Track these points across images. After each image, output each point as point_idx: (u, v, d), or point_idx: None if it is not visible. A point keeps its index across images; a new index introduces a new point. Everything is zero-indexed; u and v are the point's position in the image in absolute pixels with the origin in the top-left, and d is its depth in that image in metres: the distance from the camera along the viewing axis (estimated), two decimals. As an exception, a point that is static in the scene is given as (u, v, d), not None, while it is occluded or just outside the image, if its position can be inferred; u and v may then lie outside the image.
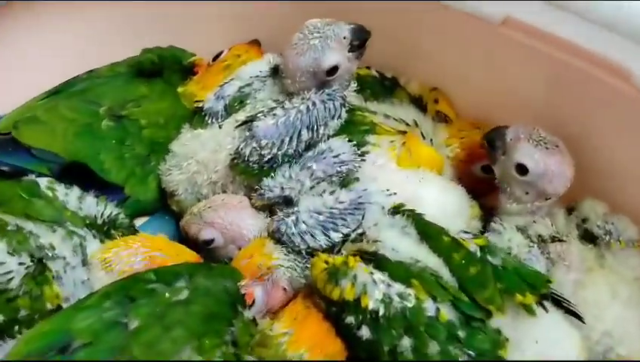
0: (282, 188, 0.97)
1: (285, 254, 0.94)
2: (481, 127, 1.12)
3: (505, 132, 0.97)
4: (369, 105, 1.13)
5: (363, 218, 0.93)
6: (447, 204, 1.00)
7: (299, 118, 0.98)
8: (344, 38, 0.98)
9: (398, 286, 0.81)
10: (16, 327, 0.84)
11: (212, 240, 1.00)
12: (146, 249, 0.91)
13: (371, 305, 0.80)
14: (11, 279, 0.84)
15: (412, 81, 1.19)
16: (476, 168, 1.09)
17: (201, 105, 1.09)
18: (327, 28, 0.98)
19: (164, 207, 1.11)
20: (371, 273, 0.82)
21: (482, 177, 1.09)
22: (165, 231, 1.06)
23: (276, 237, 0.95)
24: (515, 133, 0.96)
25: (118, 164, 1.03)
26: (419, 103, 1.16)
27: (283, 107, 1.00)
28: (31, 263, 0.86)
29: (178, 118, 1.09)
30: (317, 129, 0.99)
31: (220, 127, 1.04)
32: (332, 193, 0.95)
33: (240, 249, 1.00)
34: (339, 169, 0.98)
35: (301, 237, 0.93)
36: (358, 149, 1.00)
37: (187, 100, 1.12)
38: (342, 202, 0.94)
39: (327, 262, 0.85)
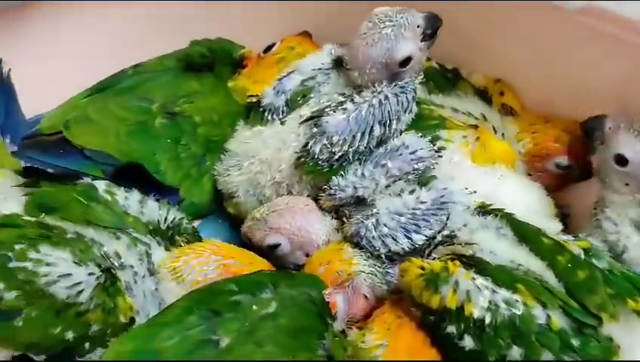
0: (355, 187, 0.91)
1: (365, 259, 0.88)
2: (550, 121, 1.06)
3: (604, 121, 0.92)
4: (434, 98, 1.07)
5: (448, 219, 0.87)
6: (528, 202, 0.95)
7: (371, 112, 0.92)
8: (417, 26, 0.92)
9: (503, 292, 0.74)
10: (87, 344, 0.77)
11: (278, 246, 0.93)
12: (218, 257, 0.84)
13: (476, 314, 0.74)
14: (81, 291, 0.77)
15: (474, 73, 1.12)
16: (550, 164, 1.03)
17: (255, 100, 1.02)
18: (400, 16, 0.91)
19: (218, 210, 1.04)
20: (473, 278, 0.76)
21: (556, 173, 1.04)
22: (219, 235, 1.00)
23: (354, 241, 0.88)
24: (614, 123, 0.91)
25: (173, 164, 0.96)
26: (484, 96, 1.10)
27: (353, 101, 0.93)
28: (100, 273, 0.78)
29: (232, 115, 1.02)
30: (389, 124, 0.93)
31: (282, 123, 0.97)
32: (411, 192, 0.89)
33: (307, 254, 0.94)
34: (416, 166, 0.92)
35: (382, 240, 0.87)
36: (433, 145, 0.94)
37: (239, 95, 1.05)
38: (423, 202, 0.88)
39: (422, 268, 0.78)
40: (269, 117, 0.98)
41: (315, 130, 0.93)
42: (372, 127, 0.92)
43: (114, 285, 0.79)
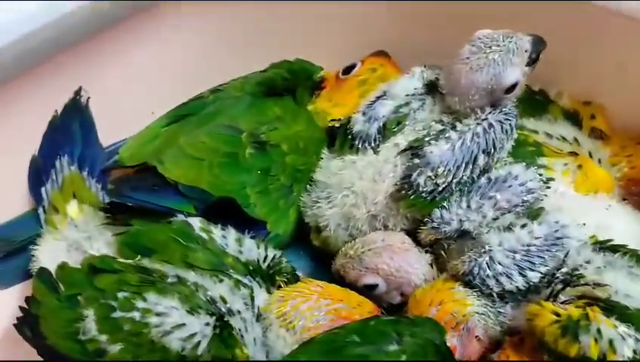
0: (461, 220, 0.86)
1: (477, 299, 0.82)
2: (641, 143, 1.02)
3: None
4: (525, 123, 1.01)
5: (566, 256, 0.82)
6: (637, 233, 0.90)
7: (475, 141, 0.87)
8: (525, 51, 0.87)
9: None
10: None
11: (375, 287, 0.88)
12: (327, 300, 0.79)
13: None
14: (197, 343, 0.71)
15: (562, 95, 1.07)
16: (648, 188, 0.99)
17: (338, 125, 0.97)
18: (508, 40, 0.86)
19: (298, 241, 0.98)
20: (615, 326, 0.71)
21: (654, 198, 0.99)
22: (301, 267, 0.94)
23: (466, 279, 0.83)
24: None
25: (263, 197, 0.90)
26: (574, 119, 1.05)
27: (456, 129, 0.88)
28: (216, 322, 0.73)
29: (316, 141, 0.97)
30: (493, 153, 0.88)
31: (375, 152, 0.92)
32: (523, 227, 0.84)
33: (402, 294, 0.89)
34: (525, 198, 0.86)
35: (496, 279, 0.82)
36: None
37: (319, 119, 1.00)
38: (537, 237, 0.82)
39: (556, 314, 0.73)
40: (360, 145, 0.92)
41: (417, 160, 0.87)
42: (476, 156, 0.87)
43: (230, 335, 0.73)
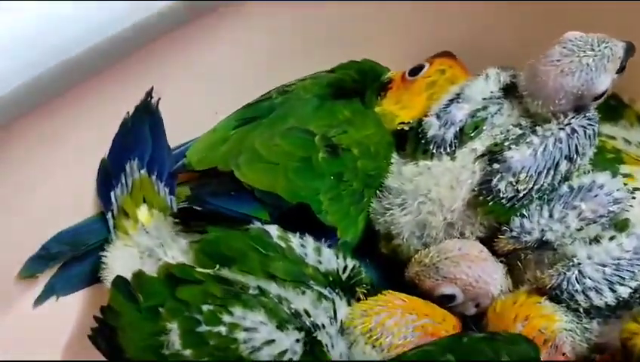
0: (543, 230, 0.82)
1: (565, 315, 0.79)
2: None
3: None
4: (603, 129, 0.95)
5: None
6: None
7: (558, 146, 0.83)
8: (619, 58, 0.83)
9: None
10: None
11: (452, 298, 0.84)
12: (412, 316, 0.76)
13: None
14: (289, 361, 0.68)
15: (637, 100, 1.03)
16: None
17: (407, 127, 0.93)
18: (604, 45, 0.82)
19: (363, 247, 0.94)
20: None
21: None
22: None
23: (552, 294, 0.80)
24: None
25: (335, 203, 0.86)
26: (651, 125, 1.01)
27: (536, 133, 0.85)
28: (306, 338, 0.70)
29: (385, 145, 0.93)
30: (576, 159, 0.84)
31: (452, 158, 0.88)
32: (611, 239, 0.80)
33: (477, 305, 0.86)
34: (611, 209, 0.83)
35: (585, 294, 0.78)
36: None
37: (386, 121, 0.95)
38: (627, 251, 0.79)
39: None
40: (435, 150, 0.88)
41: (497, 166, 0.84)
42: (558, 162, 0.83)
43: (322, 352, 0.71)
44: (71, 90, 0.80)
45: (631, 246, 0.79)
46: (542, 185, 0.83)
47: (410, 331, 0.75)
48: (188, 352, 0.70)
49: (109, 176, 0.89)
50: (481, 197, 0.85)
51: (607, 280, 0.78)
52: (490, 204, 0.84)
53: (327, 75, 0.97)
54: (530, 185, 0.83)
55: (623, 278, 0.78)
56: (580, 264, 0.79)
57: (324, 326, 0.73)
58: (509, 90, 0.90)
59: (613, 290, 0.78)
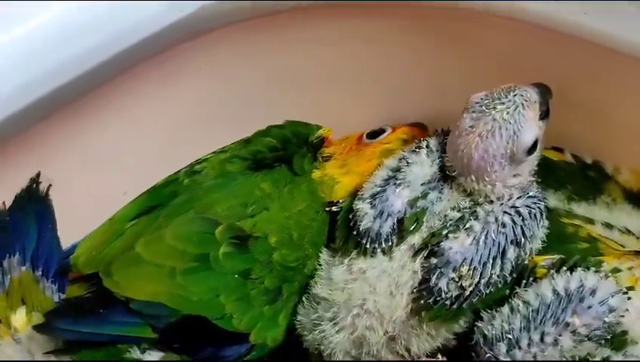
0: (535, 355, 0.69)
1: None
2: None
3: None
4: (575, 208, 0.84)
5: None
6: None
7: (502, 232, 0.72)
8: (535, 102, 0.74)
9: None
10: None
11: None
12: None
13: None
14: None
15: (622, 169, 0.88)
16: None
17: (336, 208, 0.81)
18: (513, 94, 0.73)
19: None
20: None
21: None
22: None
23: None
24: None
25: (241, 305, 0.75)
26: (638, 201, 0.85)
27: (477, 218, 0.73)
28: None
29: (316, 228, 0.80)
30: (524, 243, 0.73)
31: (390, 258, 0.75)
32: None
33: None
34: (607, 320, 0.68)
35: None
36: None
37: (325, 189, 0.82)
38: None
39: None
40: (369, 245, 0.75)
41: (435, 261, 0.72)
42: (505, 249, 0.72)
43: None
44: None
45: None
46: (490, 278, 0.71)
47: None
48: None
49: None
50: (422, 301, 0.72)
51: None
52: (434, 307, 0.71)
53: (241, 146, 0.86)
54: (477, 280, 0.71)
55: None
56: None
57: None
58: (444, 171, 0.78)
59: None
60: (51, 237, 0.83)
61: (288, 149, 0.85)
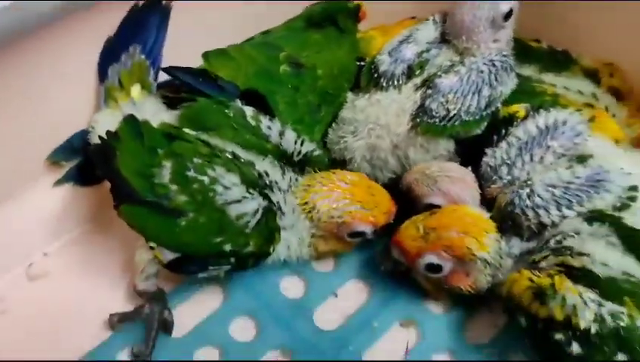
0: (528, 172, 0.94)
1: (497, 253, 0.90)
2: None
3: None
4: (544, 77, 1.10)
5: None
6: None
7: (480, 76, 1.00)
8: None
9: (609, 306, 0.79)
10: (233, 259, 0.89)
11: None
12: (346, 200, 0.92)
13: (583, 325, 0.78)
14: (249, 219, 0.87)
15: (584, 56, 1.12)
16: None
17: (365, 64, 1.07)
18: None
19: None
20: (580, 293, 0.80)
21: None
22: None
23: (508, 210, 0.91)
24: None
25: (290, 108, 1.00)
26: (594, 77, 1.10)
27: (464, 65, 1.01)
28: (266, 204, 0.89)
29: (350, 72, 1.07)
30: (496, 86, 1.00)
31: (399, 91, 1.02)
32: (569, 168, 0.92)
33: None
34: (576, 141, 0.94)
35: (534, 211, 0.90)
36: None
37: (363, 44, 1.09)
38: (578, 177, 0.90)
39: (531, 280, 0.83)
40: (385, 83, 1.02)
41: (430, 90, 0.99)
42: (481, 88, 0.99)
43: (274, 220, 0.90)
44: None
45: (583, 174, 0.90)
46: (469, 107, 0.98)
47: (339, 213, 0.91)
48: (174, 187, 0.85)
49: (111, 53, 1.01)
50: (418, 119, 0.99)
51: (556, 201, 0.89)
52: (425, 123, 0.99)
53: (298, 16, 1.11)
54: (459, 106, 0.98)
55: (571, 201, 0.89)
56: (532, 184, 0.90)
57: (276, 182, 0.91)
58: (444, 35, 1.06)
59: (559, 211, 0.89)
60: (162, 40, 1.04)
61: (334, 11, 1.10)
